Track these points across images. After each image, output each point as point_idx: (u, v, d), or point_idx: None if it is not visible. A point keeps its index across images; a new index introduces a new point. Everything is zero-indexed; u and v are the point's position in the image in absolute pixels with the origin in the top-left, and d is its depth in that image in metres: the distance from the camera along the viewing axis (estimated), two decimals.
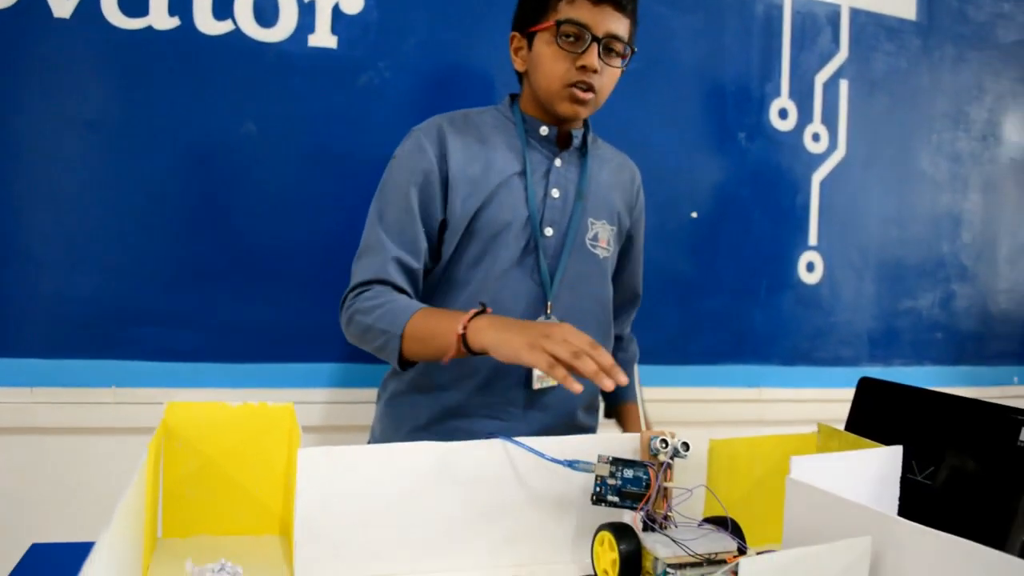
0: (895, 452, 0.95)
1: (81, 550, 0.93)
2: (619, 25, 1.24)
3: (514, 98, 1.36)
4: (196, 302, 1.52)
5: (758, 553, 0.73)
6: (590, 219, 1.32)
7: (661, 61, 1.83)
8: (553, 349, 1.00)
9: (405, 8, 1.61)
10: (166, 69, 1.47)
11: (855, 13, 2.01)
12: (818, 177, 1.99)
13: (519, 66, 1.32)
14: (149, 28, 1.45)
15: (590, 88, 1.24)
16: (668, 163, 1.85)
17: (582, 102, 1.25)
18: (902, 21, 2.07)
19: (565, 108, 1.26)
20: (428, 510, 0.89)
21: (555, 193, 1.30)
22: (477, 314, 1.12)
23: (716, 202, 1.90)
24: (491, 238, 1.26)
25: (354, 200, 1.44)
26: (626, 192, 1.41)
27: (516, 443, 0.91)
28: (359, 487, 0.87)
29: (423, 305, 1.21)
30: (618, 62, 1.27)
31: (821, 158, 1.99)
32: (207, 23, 1.48)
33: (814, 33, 1.98)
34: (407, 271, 1.25)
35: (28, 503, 1.46)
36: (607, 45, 1.24)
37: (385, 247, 1.24)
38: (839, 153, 2.01)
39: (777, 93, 1.94)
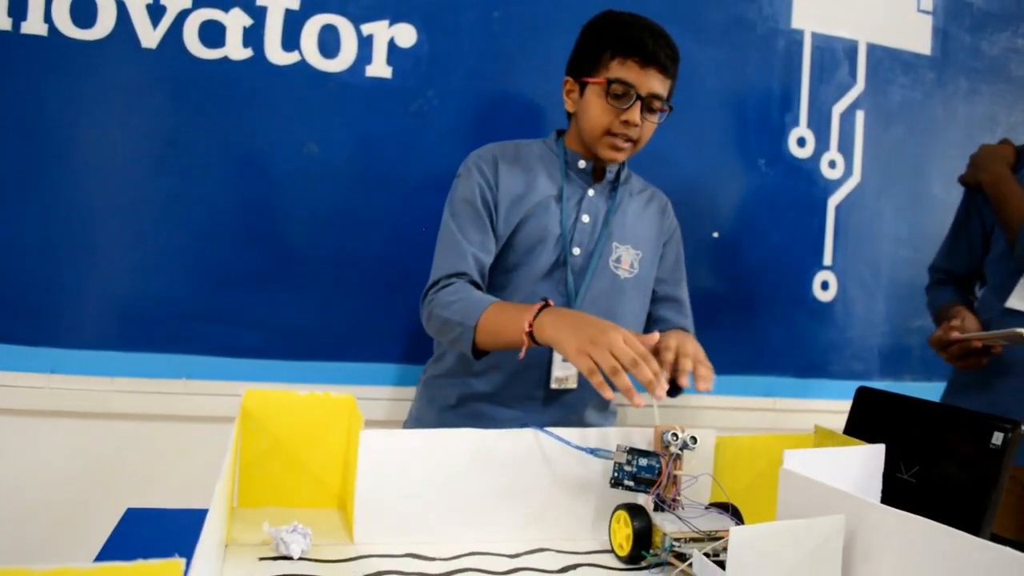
0: (879, 450, 1.07)
1: (169, 515, 1.08)
2: (662, 86, 1.38)
3: (560, 134, 1.50)
4: (260, 304, 1.66)
5: None
6: (615, 243, 1.47)
7: (688, 91, 1.92)
8: (597, 357, 1.08)
9: (453, 43, 1.74)
10: (239, 95, 1.62)
11: (872, 48, 2.11)
12: (834, 201, 2.09)
13: (569, 107, 1.46)
14: (225, 59, 1.61)
15: (630, 139, 1.39)
16: (693, 185, 1.96)
17: (621, 149, 1.40)
18: (917, 56, 2.17)
19: (606, 153, 1.41)
20: (466, 488, 1.02)
21: (585, 218, 1.45)
22: (542, 308, 1.22)
23: (737, 223, 2.01)
24: (527, 250, 1.41)
25: (404, 214, 1.59)
26: (654, 219, 1.55)
27: (546, 432, 1.05)
28: (409, 466, 1.01)
29: (495, 299, 1.31)
30: (656, 116, 1.41)
31: (837, 183, 2.09)
32: (276, 54, 1.64)
33: (832, 67, 2.08)
34: (480, 265, 1.39)
35: (108, 482, 1.61)
36: (649, 104, 1.38)
37: (461, 245, 1.38)
38: (854, 179, 2.11)
39: (796, 122, 2.05)
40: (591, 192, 1.47)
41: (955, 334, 1.45)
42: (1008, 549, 0.72)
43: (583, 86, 1.41)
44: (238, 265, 1.65)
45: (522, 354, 1.23)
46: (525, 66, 1.78)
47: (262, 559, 0.91)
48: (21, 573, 0.48)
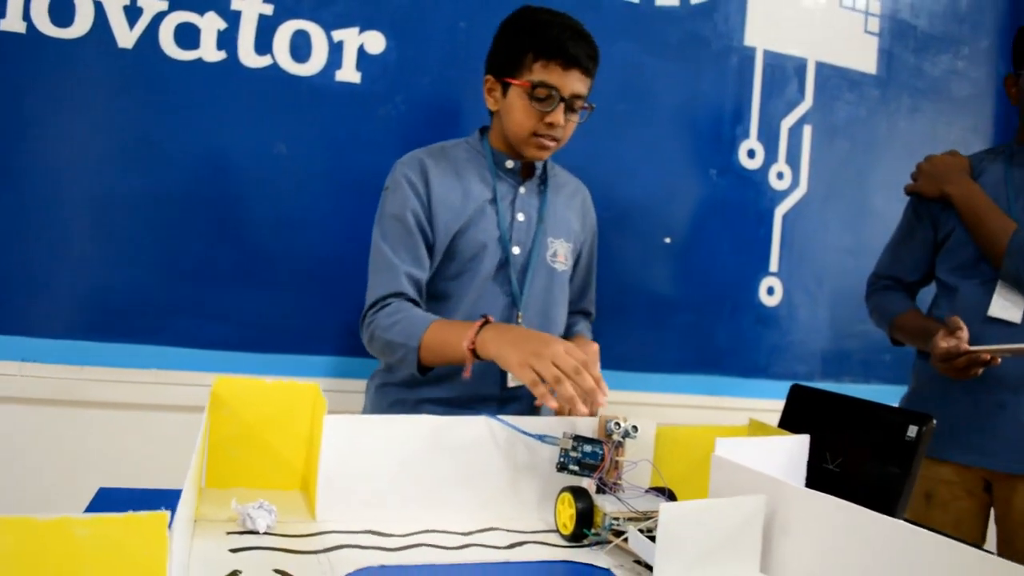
0: (804, 440, 1.16)
1: (140, 494, 1.12)
2: (583, 86, 1.41)
3: (483, 131, 1.54)
4: (229, 298, 1.71)
5: None
6: (550, 238, 1.51)
7: (644, 103, 2.03)
8: (540, 370, 1.13)
9: (420, 50, 1.81)
10: (212, 96, 1.67)
11: (820, 66, 2.22)
12: (780, 211, 2.19)
13: (491, 105, 1.48)
14: (199, 60, 1.66)
15: (554, 139, 1.43)
16: (648, 193, 2.05)
17: (547, 148, 1.44)
18: (863, 74, 2.28)
19: (532, 153, 1.45)
20: (423, 471, 1.09)
21: (520, 217, 1.48)
22: (482, 325, 1.25)
23: (688, 229, 2.10)
24: (471, 257, 1.44)
25: (368, 216, 1.64)
26: (579, 212, 1.59)
27: (498, 419, 1.13)
28: (369, 450, 1.07)
29: (435, 317, 1.34)
30: (578, 116, 1.44)
31: (784, 194, 2.19)
32: (249, 57, 1.69)
33: (782, 83, 2.18)
34: (415, 282, 1.41)
35: (79, 468, 1.64)
36: (571, 104, 1.41)
37: (394, 264, 1.39)
38: (800, 190, 2.21)
39: (747, 135, 2.15)
40: (522, 190, 1.50)
41: (965, 346, 1.45)
42: (903, 523, 0.81)
43: (505, 86, 1.42)
44: (208, 260, 1.70)
45: (467, 372, 1.26)
46: None
47: (229, 533, 0.97)
48: (22, 522, 0.55)
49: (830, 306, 2.27)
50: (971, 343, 1.46)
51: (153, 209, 1.66)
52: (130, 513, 0.55)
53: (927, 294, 1.79)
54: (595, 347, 1.45)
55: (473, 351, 1.25)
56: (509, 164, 1.49)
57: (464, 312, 1.43)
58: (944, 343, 1.47)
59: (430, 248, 1.44)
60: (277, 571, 0.87)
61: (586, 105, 1.43)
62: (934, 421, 1.20)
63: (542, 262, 1.50)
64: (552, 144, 1.43)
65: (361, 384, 1.73)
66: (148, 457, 1.64)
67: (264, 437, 1.17)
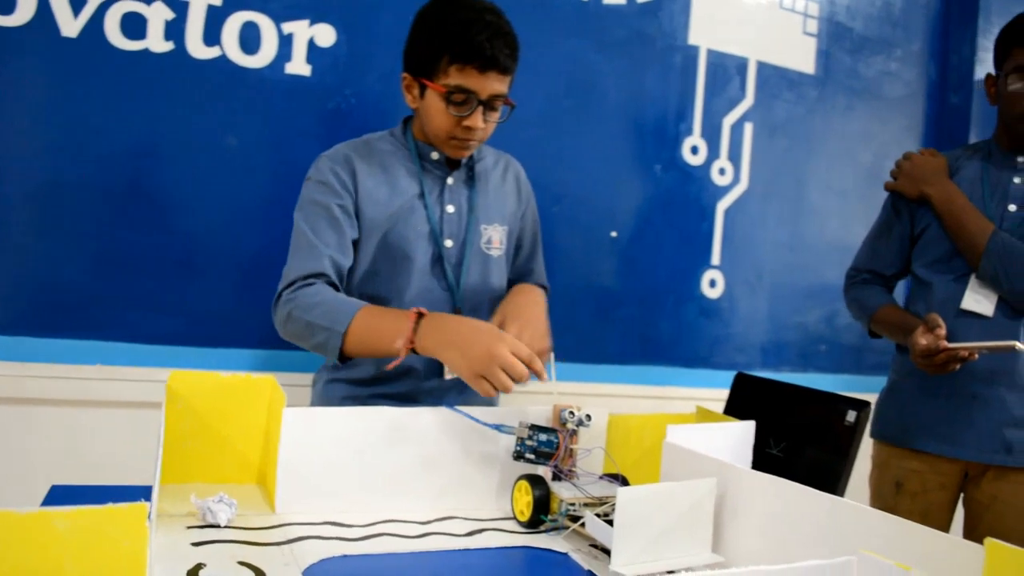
0: (750, 426, 1.21)
1: (93, 491, 1.11)
2: (501, 84, 1.35)
3: (407, 121, 1.49)
4: (177, 292, 1.68)
5: None
6: (483, 226, 1.48)
7: (590, 100, 2.06)
8: (494, 381, 1.12)
9: (371, 44, 1.81)
10: (160, 87, 1.64)
11: (761, 66, 2.29)
12: (722, 206, 2.25)
13: (410, 103, 1.42)
14: (146, 51, 1.63)
15: (474, 138, 1.38)
16: (594, 188, 2.08)
17: (466, 148, 1.41)
18: (801, 74, 2.36)
19: (453, 153, 1.42)
20: (382, 463, 1.11)
21: (450, 209, 1.45)
22: (419, 318, 1.21)
23: (633, 224, 2.15)
24: (403, 255, 1.41)
25: None
26: (513, 188, 1.56)
27: (455, 410, 1.15)
28: (328, 442, 1.09)
29: (363, 303, 1.28)
30: (498, 114, 1.39)
31: (725, 189, 2.26)
32: (198, 48, 1.67)
33: (724, 81, 2.24)
34: (338, 268, 1.36)
35: (25, 465, 1.60)
36: (491, 104, 1.36)
37: (316, 245, 1.33)
38: (742, 186, 2.28)
39: (690, 132, 2.20)
40: (450, 181, 1.46)
41: (944, 343, 1.48)
42: (844, 500, 0.86)
43: (423, 86, 1.37)
44: (156, 253, 1.67)
45: (392, 365, 1.24)
46: None
47: (190, 527, 0.97)
48: (2, 515, 0.55)
49: (769, 298, 2.34)
50: (947, 338, 1.50)
51: (97, 202, 1.63)
52: (110, 505, 0.56)
53: (904, 286, 1.82)
54: (539, 295, 1.44)
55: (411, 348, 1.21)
56: (435, 156, 1.45)
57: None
58: (923, 340, 1.50)
59: (355, 243, 1.40)
60: (241, 563, 0.88)
61: (507, 102, 1.38)
62: (871, 406, 1.26)
63: (476, 251, 1.47)
64: (472, 144, 1.40)
65: (301, 377, 1.71)
66: (97, 454, 1.63)
67: (220, 431, 1.17)
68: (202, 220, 1.71)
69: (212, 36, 1.68)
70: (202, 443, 1.16)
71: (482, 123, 1.35)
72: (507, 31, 1.34)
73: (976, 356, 1.50)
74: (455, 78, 1.32)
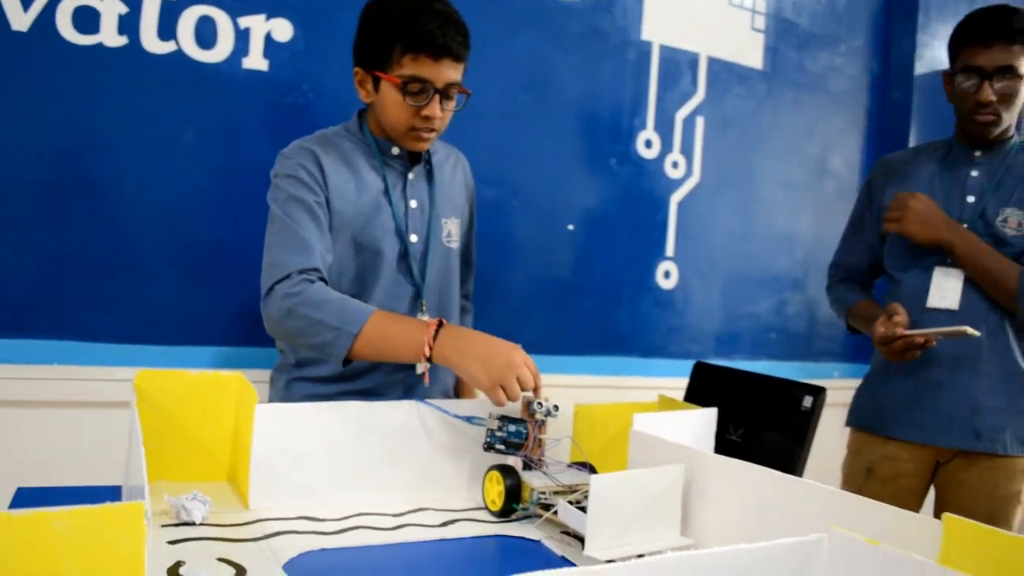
0: (712, 412, 1.25)
1: (58, 492, 1.10)
2: (456, 72, 1.35)
3: (361, 115, 1.47)
4: (136, 291, 1.66)
5: None
6: (443, 220, 1.49)
7: (546, 94, 2.09)
8: (510, 390, 1.14)
9: (328, 38, 1.80)
10: (114, 82, 1.61)
11: (711, 61, 2.33)
12: (676, 198, 2.30)
13: (364, 98, 1.41)
14: (100, 45, 1.60)
15: (432, 129, 1.38)
16: (550, 181, 2.11)
17: (425, 140, 1.39)
18: (750, 69, 2.41)
19: (411, 145, 1.41)
20: (353, 457, 1.12)
21: (413, 204, 1.45)
22: (439, 327, 1.21)
23: (589, 217, 2.18)
24: (373, 252, 1.40)
25: None
26: (462, 183, 1.57)
27: (425, 403, 1.16)
28: (300, 437, 1.09)
29: (373, 307, 1.26)
30: (454, 103, 1.38)
31: (679, 182, 2.30)
32: (152, 43, 1.64)
33: (676, 76, 2.28)
34: (327, 265, 1.35)
35: None
36: (446, 92, 1.35)
37: (307, 240, 1.31)
38: (694, 179, 2.32)
39: (644, 126, 2.24)
40: (411, 176, 1.45)
41: (900, 331, 1.53)
42: (806, 480, 0.90)
43: (376, 79, 1.36)
44: (113, 251, 1.65)
45: (426, 380, 1.26)
46: None
47: (164, 526, 0.97)
48: (2, 517, 0.55)
49: (722, 288, 2.40)
50: (914, 329, 1.55)
51: (52, 199, 1.60)
52: (108, 505, 0.57)
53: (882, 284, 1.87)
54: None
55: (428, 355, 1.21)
56: (395, 151, 1.44)
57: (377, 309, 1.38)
58: (882, 328, 1.56)
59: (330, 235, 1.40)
60: (221, 560, 0.88)
61: (463, 90, 1.38)
62: (826, 392, 1.31)
63: (438, 244, 1.47)
64: (431, 135, 1.39)
65: (259, 374, 1.68)
66: (58, 454, 1.60)
67: (189, 429, 1.17)
68: (158, 217, 1.68)
69: (167, 30, 1.65)
70: (171, 441, 1.15)
71: (439, 112, 1.35)
72: (456, 19, 1.34)
73: (934, 342, 1.55)
74: (409, 68, 1.31)
